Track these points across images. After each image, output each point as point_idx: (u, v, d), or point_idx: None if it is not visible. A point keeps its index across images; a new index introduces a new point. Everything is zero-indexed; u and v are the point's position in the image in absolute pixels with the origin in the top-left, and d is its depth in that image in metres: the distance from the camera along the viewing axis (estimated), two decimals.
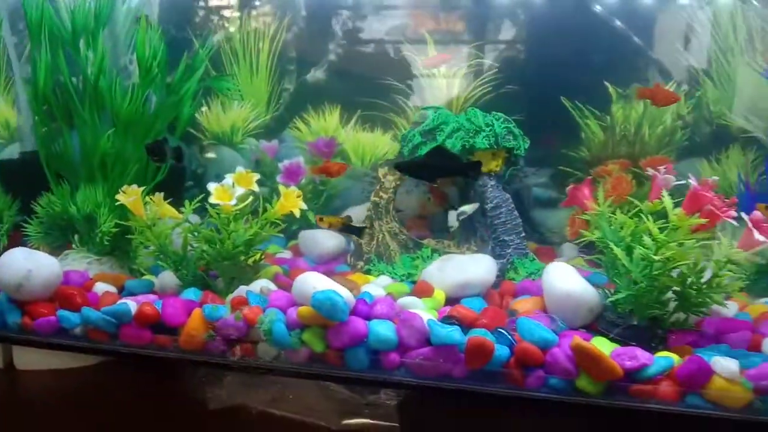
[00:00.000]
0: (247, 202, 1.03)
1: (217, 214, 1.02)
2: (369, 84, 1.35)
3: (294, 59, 1.38)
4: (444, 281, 1.06)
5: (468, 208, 1.14)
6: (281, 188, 1.04)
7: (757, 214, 0.83)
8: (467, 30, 1.37)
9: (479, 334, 0.88)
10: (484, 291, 1.06)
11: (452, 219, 1.15)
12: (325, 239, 1.20)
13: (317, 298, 0.89)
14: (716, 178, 0.87)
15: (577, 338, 0.84)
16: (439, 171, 1.03)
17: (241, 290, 1.00)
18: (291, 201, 1.04)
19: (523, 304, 0.99)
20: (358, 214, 1.24)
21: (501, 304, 1.03)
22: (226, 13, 1.38)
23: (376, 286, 1.05)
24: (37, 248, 1.13)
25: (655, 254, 0.86)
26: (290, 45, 1.37)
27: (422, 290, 1.04)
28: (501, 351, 0.87)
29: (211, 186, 1.01)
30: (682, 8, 1.26)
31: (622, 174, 1.20)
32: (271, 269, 1.11)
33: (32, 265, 1.00)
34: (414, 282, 1.09)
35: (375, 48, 1.37)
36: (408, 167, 1.06)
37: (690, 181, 0.86)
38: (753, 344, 0.90)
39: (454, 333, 0.87)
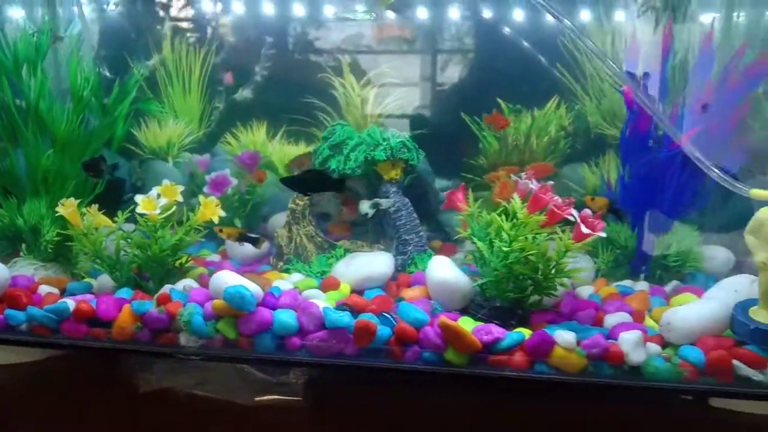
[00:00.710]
0: (171, 210, 1.18)
1: (145, 222, 1.17)
2: (293, 101, 1.50)
3: (223, 80, 1.53)
4: (350, 276, 1.22)
5: (384, 202, 1.29)
6: (201, 198, 1.19)
7: (586, 211, 1.01)
8: (382, 53, 1.54)
9: (366, 317, 1.04)
10: (384, 283, 1.22)
11: (364, 207, 1.30)
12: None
13: (228, 292, 1.04)
14: (551, 183, 1.04)
15: (443, 317, 1.01)
16: (311, 186, 1.20)
17: (166, 288, 1.15)
18: (210, 210, 1.19)
19: (412, 293, 1.15)
20: (281, 220, 1.40)
21: (396, 293, 1.20)
22: (161, 37, 1.52)
23: (287, 282, 1.20)
24: None
25: (508, 246, 1.03)
26: (219, 67, 1.52)
27: (329, 284, 1.20)
28: (383, 331, 1.03)
29: (138, 198, 1.16)
30: (563, 33, 1.44)
31: (507, 179, 1.37)
32: (196, 270, 1.25)
33: None
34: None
35: (298, 69, 1.53)
36: (288, 182, 1.25)
37: (531, 186, 1.03)
38: (597, 320, 1.08)
39: (344, 317, 1.03)
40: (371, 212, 1.30)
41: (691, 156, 1.01)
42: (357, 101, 1.49)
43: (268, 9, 1.49)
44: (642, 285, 1.20)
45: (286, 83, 1.52)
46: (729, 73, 1.15)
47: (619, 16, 1.41)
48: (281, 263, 1.31)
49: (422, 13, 1.53)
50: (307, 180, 1.21)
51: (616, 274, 1.24)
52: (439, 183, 1.54)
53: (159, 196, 1.18)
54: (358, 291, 1.20)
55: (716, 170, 0.98)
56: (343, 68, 1.48)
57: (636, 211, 1.22)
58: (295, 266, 1.29)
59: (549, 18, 1.36)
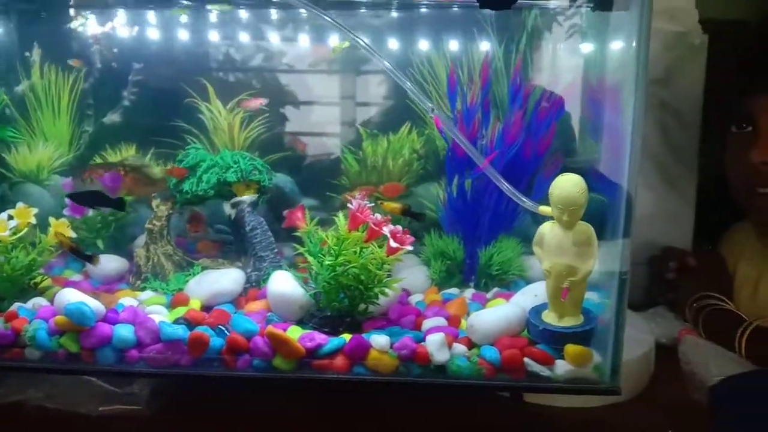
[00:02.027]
0: (23, 231, 1.23)
1: None
2: (162, 125, 1.57)
3: (92, 105, 1.59)
4: (200, 293, 1.29)
5: (246, 198, 1.36)
6: (51, 219, 1.25)
7: (396, 227, 1.12)
8: (246, 79, 1.64)
9: (201, 330, 1.12)
10: (235, 298, 1.30)
11: (227, 209, 1.38)
12: (107, 262, 1.40)
13: (69, 309, 1.10)
14: (366, 202, 1.15)
15: (270, 327, 1.10)
16: (92, 202, 1.31)
17: (15, 306, 1.19)
18: (61, 230, 1.25)
19: (254, 306, 1.24)
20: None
21: (244, 307, 1.28)
22: (29, 63, 1.57)
23: (136, 300, 1.26)
24: None
25: (334, 260, 1.13)
26: (88, 92, 1.58)
27: (178, 301, 1.27)
28: (216, 342, 1.11)
29: None
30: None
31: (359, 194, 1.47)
32: (53, 290, 1.30)
33: None
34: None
35: (167, 93, 1.60)
36: (73, 197, 1.35)
37: (350, 205, 1.14)
38: (416, 325, 1.19)
39: (178, 330, 1.11)
40: (233, 212, 1.37)
41: (491, 178, 1.13)
42: (224, 125, 1.58)
43: (137, 35, 1.56)
44: (468, 292, 1.32)
45: (154, 107, 1.59)
46: (538, 104, 1.30)
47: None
48: (139, 282, 1.37)
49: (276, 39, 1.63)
50: (89, 197, 1.28)
51: (450, 283, 1.36)
52: (307, 202, 1.64)
53: (10, 218, 1.23)
54: (208, 307, 1.27)
55: (509, 188, 1.11)
56: (209, 94, 1.56)
57: (462, 225, 1.35)
58: (152, 284, 1.35)
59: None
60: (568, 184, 1.02)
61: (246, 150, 1.57)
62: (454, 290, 1.33)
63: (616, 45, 1.14)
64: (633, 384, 1.26)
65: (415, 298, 1.30)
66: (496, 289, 1.31)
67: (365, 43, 1.16)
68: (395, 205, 1.28)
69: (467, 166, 1.29)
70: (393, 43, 1.54)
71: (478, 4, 0.99)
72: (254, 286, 1.35)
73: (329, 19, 1.16)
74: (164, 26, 1.55)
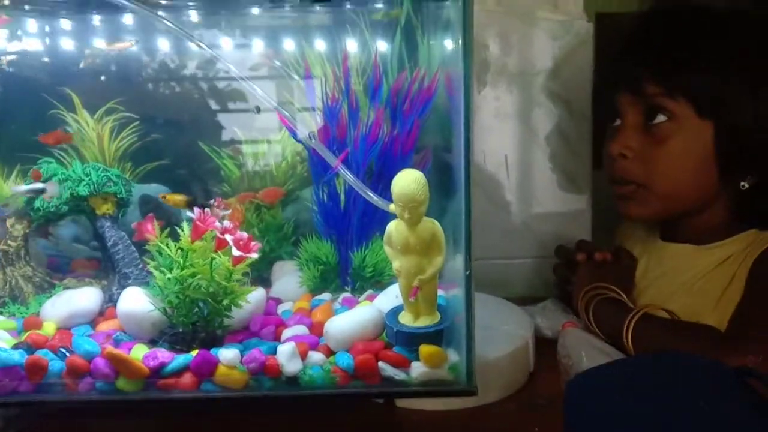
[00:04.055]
0: None
1: None
2: (26, 139, 1.49)
3: None
4: (55, 314, 1.22)
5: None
6: None
7: (241, 234, 1.07)
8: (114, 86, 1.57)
9: (40, 353, 1.06)
10: (92, 318, 1.24)
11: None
12: None
13: None
14: (228, 212, 1.10)
15: (109, 348, 1.04)
16: None
17: None
18: None
19: (104, 325, 1.18)
20: None
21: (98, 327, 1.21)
22: None
23: None
24: None
25: (181, 273, 1.07)
26: None
27: (30, 324, 1.20)
28: (56, 365, 1.05)
29: None
30: None
31: (236, 205, 1.42)
32: None
33: None
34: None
35: (30, 106, 1.52)
36: None
37: (190, 214, 1.09)
38: (277, 335, 1.14)
39: (13, 355, 1.04)
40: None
41: (345, 177, 1.10)
42: (92, 136, 1.51)
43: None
44: (343, 296, 1.28)
45: (17, 121, 1.51)
46: (403, 101, 1.26)
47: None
48: None
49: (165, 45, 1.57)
50: None
51: (326, 288, 1.32)
52: (186, 213, 1.57)
53: None
54: (65, 328, 1.20)
55: (360, 186, 1.07)
56: (74, 104, 1.49)
57: (335, 228, 1.31)
58: (10, 309, 1.28)
59: None
60: (406, 181, 0.98)
61: (118, 161, 1.51)
62: (325, 296, 1.28)
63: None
64: (506, 381, 1.23)
65: (284, 307, 1.25)
66: (368, 292, 1.27)
67: (206, 46, 1.11)
68: (179, 198, 1.27)
69: (329, 168, 1.25)
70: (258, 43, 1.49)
71: None
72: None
73: (173, 25, 1.11)
74: (24, 34, 1.48)
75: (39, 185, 1.32)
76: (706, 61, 1.30)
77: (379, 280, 1.31)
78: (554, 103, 1.74)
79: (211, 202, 1.18)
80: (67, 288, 1.32)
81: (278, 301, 1.27)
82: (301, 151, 1.56)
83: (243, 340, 1.12)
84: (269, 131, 1.57)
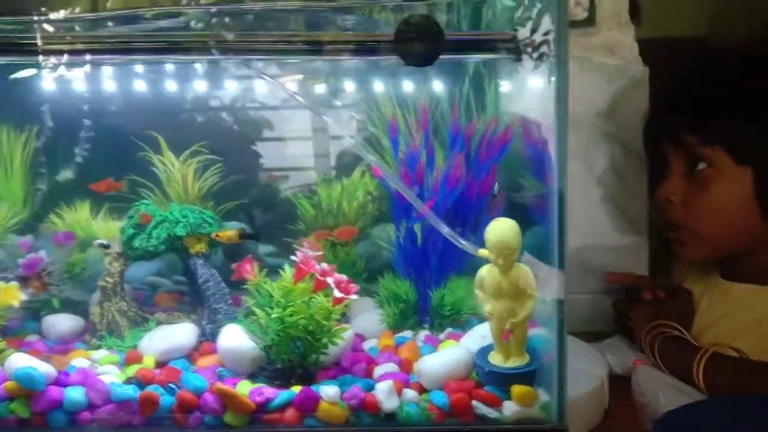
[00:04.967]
0: None
1: None
2: (116, 179, 1.58)
3: (45, 163, 1.60)
4: (153, 349, 1.29)
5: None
6: (0, 283, 1.25)
7: (341, 277, 1.14)
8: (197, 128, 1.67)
9: (151, 389, 1.13)
10: (188, 353, 1.31)
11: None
12: (61, 321, 1.40)
13: (17, 374, 1.10)
14: (320, 253, 1.17)
15: (218, 383, 1.11)
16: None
17: None
18: (10, 294, 1.25)
19: (205, 361, 1.25)
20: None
21: (198, 362, 1.28)
22: None
23: (86, 360, 1.26)
24: None
25: (282, 312, 1.14)
26: (40, 151, 1.59)
27: (132, 358, 1.27)
28: (166, 400, 1.11)
29: None
30: None
31: (317, 243, 1.49)
32: (7, 353, 1.29)
33: None
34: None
35: (119, 148, 1.62)
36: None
37: (294, 257, 1.16)
38: (368, 372, 1.20)
39: (128, 390, 1.11)
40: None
41: (432, 222, 1.16)
42: (178, 177, 1.59)
43: (87, 91, 1.58)
44: (422, 334, 1.34)
45: (107, 162, 1.61)
46: (479, 147, 1.34)
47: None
48: (94, 340, 1.37)
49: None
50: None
51: (405, 325, 1.38)
52: (264, 248, 1.65)
53: None
54: (162, 363, 1.27)
55: (447, 229, 1.14)
56: (161, 146, 1.58)
57: (413, 267, 1.37)
58: (107, 342, 1.35)
59: None
60: (502, 229, 1.05)
61: (200, 200, 1.59)
62: (407, 333, 1.34)
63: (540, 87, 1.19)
64: (586, 420, 1.27)
65: (369, 344, 1.31)
66: (449, 330, 1.33)
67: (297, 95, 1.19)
68: (231, 233, 1.36)
69: (413, 209, 1.32)
70: (347, 87, 1.58)
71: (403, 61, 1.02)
72: (209, 339, 1.35)
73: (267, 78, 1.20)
74: (114, 81, 1.58)
75: (104, 241, 1.42)
76: (740, 109, 1.37)
77: (456, 318, 1.37)
78: (610, 143, 1.80)
79: (304, 244, 1.25)
80: (159, 322, 1.39)
81: (362, 338, 1.33)
82: (373, 190, 1.64)
83: (335, 376, 1.19)
84: (341, 172, 1.65)
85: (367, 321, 1.38)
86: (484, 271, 1.10)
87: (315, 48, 1.08)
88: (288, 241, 1.62)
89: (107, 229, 1.60)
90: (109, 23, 1.34)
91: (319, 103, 1.52)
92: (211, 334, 1.37)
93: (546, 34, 1.05)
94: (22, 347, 1.35)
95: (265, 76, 1.17)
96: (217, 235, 1.39)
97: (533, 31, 1.11)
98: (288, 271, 1.17)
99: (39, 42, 1.27)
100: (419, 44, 0.98)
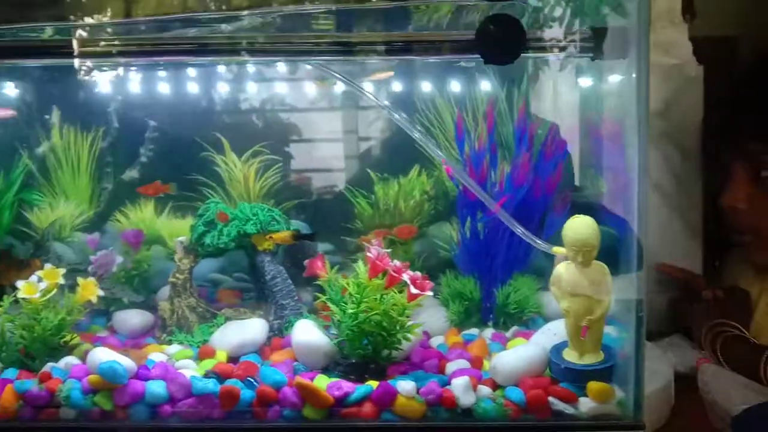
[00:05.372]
0: (52, 292, 1.26)
1: (27, 305, 1.25)
2: (179, 179, 1.62)
3: (111, 162, 1.64)
4: (225, 344, 1.31)
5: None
6: (79, 279, 1.29)
7: (416, 274, 1.16)
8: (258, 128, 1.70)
9: (230, 383, 1.15)
10: (259, 348, 1.33)
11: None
12: (132, 317, 1.44)
13: (101, 368, 1.13)
14: (389, 250, 1.18)
15: (298, 377, 1.13)
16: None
17: (47, 366, 1.22)
18: (89, 290, 1.28)
19: (278, 356, 1.27)
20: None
21: (268, 357, 1.30)
22: (48, 125, 1.62)
23: (162, 354, 1.29)
24: None
25: (356, 308, 1.16)
26: (106, 151, 1.63)
27: (205, 353, 1.30)
28: (246, 394, 1.14)
29: (19, 283, 1.24)
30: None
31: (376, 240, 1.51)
32: (82, 347, 1.33)
33: None
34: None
35: (182, 148, 1.65)
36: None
37: (368, 253, 1.18)
38: (440, 368, 1.21)
39: (209, 384, 1.14)
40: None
41: (504, 220, 1.18)
42: (239, 176, 1.62)
43: (152, 93, 1.62)
44: (488, 332, 1.35)
45: (171, 162, 1.64)
46: (545, 145, 1.34)
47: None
48: (165, 335, 1.40)
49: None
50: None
51: (468, 323, 1.39)
52: (323, 247, 1.67)
53: (40, 279, 1.27)
54: (234, 357, 1.30)
55: (521, 229, 1.15)
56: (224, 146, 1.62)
57: (478, 265, 1.38)
58: (178, 337, 1.38)
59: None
60: (581, 227, 1.06)
61: (261, 199, 1.62)
62: (473, 331, 1.36)
63: (614, 87, 1.19)
64: (654, 417, 1.28)
65: (435, 341, 1.33)
66: (515, 328, 1.34)
67: (371, 94, 1.20)
68: (285, 234, 1.39)
69: (479, 208, 1.33)
70: (397, 88, 1.60)
71: (482, 59, 1.03)
72: (277, 334, 1.38)
73: (336, 75, 1.22)
74: (177, 82, 1.62)
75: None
76: None
77: (521, 317, 1.38)
78: (665, 143, 1.80)
79: (374, 242, 1.26)
80: (227, 318, 1.42)
81: (428, 335, 1.35)
82: (429, 189, 1.66)
83: (406, 372, 1.20)
84: (398, 170, 1.66)
85: (430, 318, 1.39)
86: (562, 269, 1.10)
87: (395, 48, 1.09)
88: (345, 240, 1.66)
89: (170, 227, 1.65)
90: (175, 26, 1.37)
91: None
92: (278, 329, 1.40)
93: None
94: (96, 342, 1.39)
95: (338, 76, 1.18)
96: (270, 237, 1.42)
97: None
98: (362, 267, 1.19)
99: (104, 45, 1.32)
100: (502, 43, 0.99)
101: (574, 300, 1.09)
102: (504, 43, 0.99)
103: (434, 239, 1.61)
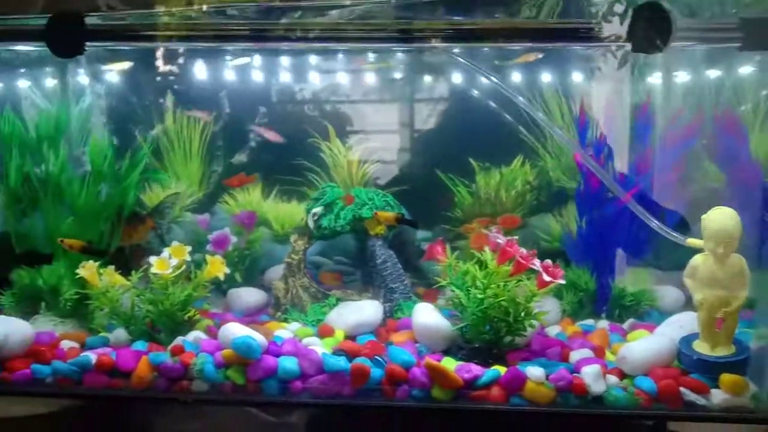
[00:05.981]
0: (182, 269, 1.31)
1: (158, 280, 1.30)
2: (285, 164, 1.66)
3: (221, 146, 1.69)
4: (342, 323, 1.35)
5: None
6: (207, 257, 1.33)
7: (548, 261, 1.16)
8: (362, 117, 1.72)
9: (360, 361, 1.18)
10: (374, 328, 1.36)
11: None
12: (248, 295, 1.48)
13: (236, 342, 1.17)
14: (516, 237, 1.19)
15: (429, 359, 1.15)
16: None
17: (179, 340, 1.27)
18: (216, 267, 1.33)
19: (399, 337, 1.29)
20: (276, 272, 1.54)
21: (386, 338, 1.33)
22: (163, 108, 1.68)
23: (287, 331, 1.33)
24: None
25: (483, 293, 1.18)
26: (217, 135, 1.68)
27: (324, 331, 1.33)
28: (376, 373, 1.17)
29: (152, 259, 1.29)
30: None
31: (480, 230, 1.52)
32: (204, 322, 1.38)
33: (9, 329, 1.25)
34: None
35: (289, 134, 1.69)
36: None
37: (499, 240, 1.19)
38: (563, 356, 1.22)
39: (341, 362, 1.17)
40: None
41: (635, 211, 1.17)
42: (343, 162, 1.65)
43: (262, 80, 1.66)
44: (603, 323, 1.35)
45: (278, 147, 1.68)
46: (668, 134, 1.34)
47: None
48: (279, 313, 1.44)
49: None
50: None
51: (580, 314, 1.40)
52: (421, 234, 1.69)
53: (170, 256, 1.31)
54: (350, 337, 1.33)
55: (656, 222, 1.15)
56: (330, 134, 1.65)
57: (593, 257, 1.38)
58: (292, 316, 1.42)
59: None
60: (723, 218, 1.05)
61: (364, 185, 1.64)
62: (589, 321, 1.36)
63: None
64: None
65: (554, 329, 1.34)
66: (632, 320, 1.34)
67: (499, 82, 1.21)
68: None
69: (600, 199, 1.33)
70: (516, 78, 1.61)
71: (631, 47, 1.03)
72: (387, 316, 1.41)
73: (466, 62, 1.23)
74: (288, 72, 1.65)
75: None
76: None
77: (635, 309, 1.38)
78: None
79: (492, 229, 1.28)
80: (338, 299, 1.45)
81: (542, 325, 1.35)
82: (532, 180, 1.66)
83: (527, 359, 1.21)
84: (499, 160, 1.67)
85: (545, 308, 1.40)
86: (699, 260, 1.10)
87: (534, 35, 1.10)
88: (444, 228, 1.67)
89: (276, 210, 1.69)
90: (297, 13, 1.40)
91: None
92: (389, 311, 1.42)
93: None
94: (215, 318, 1.44)
95: (465, 61, 1.19)
96: (377, 215, 1.44)
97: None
98: (488, 254, 1.21)
99: (215, 31, 1.35)
100: (652, 32, 0.99)
101: (710, 292, 1.09)
102: (654, 32, 0.99)
103: (536, 230, 1.62)
